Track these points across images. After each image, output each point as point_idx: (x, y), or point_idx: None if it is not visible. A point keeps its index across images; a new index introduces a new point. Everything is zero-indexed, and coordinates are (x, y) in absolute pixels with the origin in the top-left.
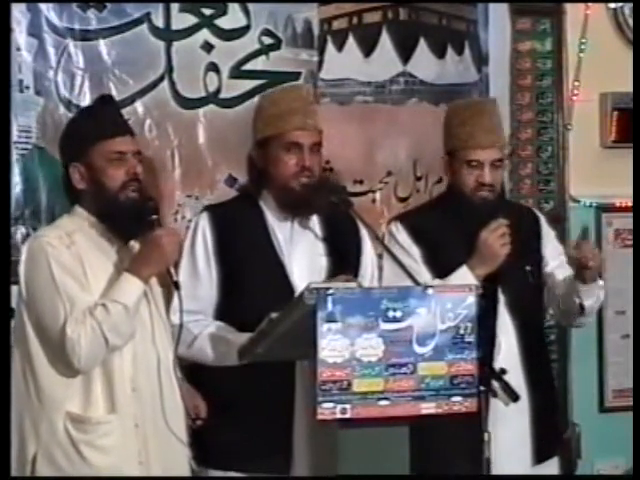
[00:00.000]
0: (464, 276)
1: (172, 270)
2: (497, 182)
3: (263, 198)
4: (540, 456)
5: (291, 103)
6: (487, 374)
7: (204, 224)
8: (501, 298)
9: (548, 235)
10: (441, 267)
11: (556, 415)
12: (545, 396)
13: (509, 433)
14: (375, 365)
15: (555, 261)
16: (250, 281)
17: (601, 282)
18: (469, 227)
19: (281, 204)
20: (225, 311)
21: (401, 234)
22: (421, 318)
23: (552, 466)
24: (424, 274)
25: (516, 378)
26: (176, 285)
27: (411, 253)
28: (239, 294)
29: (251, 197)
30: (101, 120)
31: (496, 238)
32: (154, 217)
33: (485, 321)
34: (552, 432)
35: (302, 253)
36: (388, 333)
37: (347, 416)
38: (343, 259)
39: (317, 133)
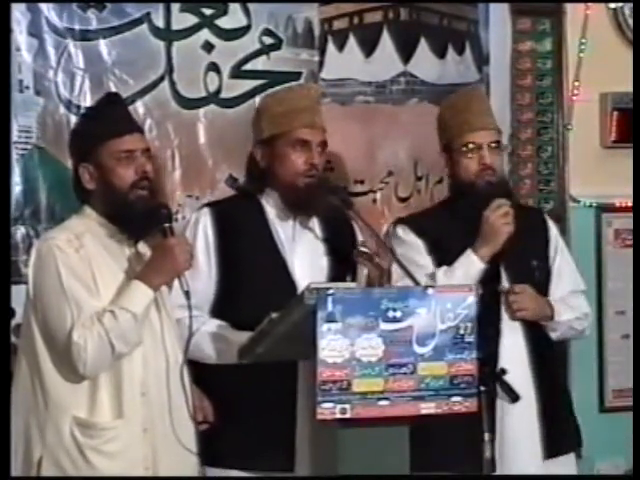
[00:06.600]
0: (468, 258)
1: (183, 279)
2: (498, 166)
3: (265, 196)
4: (551, 451)
5: (299, 101)
6: (487, 374)
7: (205, 220)
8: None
9: (557, 240)
10: (448, 257)
11: (565, 412)
12: (553, 393)
13: (517, 429)
14: (375, 365)
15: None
16: (252, 278)
17: (564, 317)
18: (475, 212)
19: (286, 202)
20: (222, 308)
21: (405, 231)
22: (421, 318)
23: (569, 464)
24: (429, 266)
25: (523, 375)
26: (187, 294)
27: (415, 246)
28: (239, 291)
29: (251, 195)
30: (108, 119)
31: (498, 217)
32: (167, 225)
33: (489, 318)
34: (562, 428)
35: (304, 252)
36: (388, 333)
37: (347, 416)
38: (343, 259)
39: (323, 132)
